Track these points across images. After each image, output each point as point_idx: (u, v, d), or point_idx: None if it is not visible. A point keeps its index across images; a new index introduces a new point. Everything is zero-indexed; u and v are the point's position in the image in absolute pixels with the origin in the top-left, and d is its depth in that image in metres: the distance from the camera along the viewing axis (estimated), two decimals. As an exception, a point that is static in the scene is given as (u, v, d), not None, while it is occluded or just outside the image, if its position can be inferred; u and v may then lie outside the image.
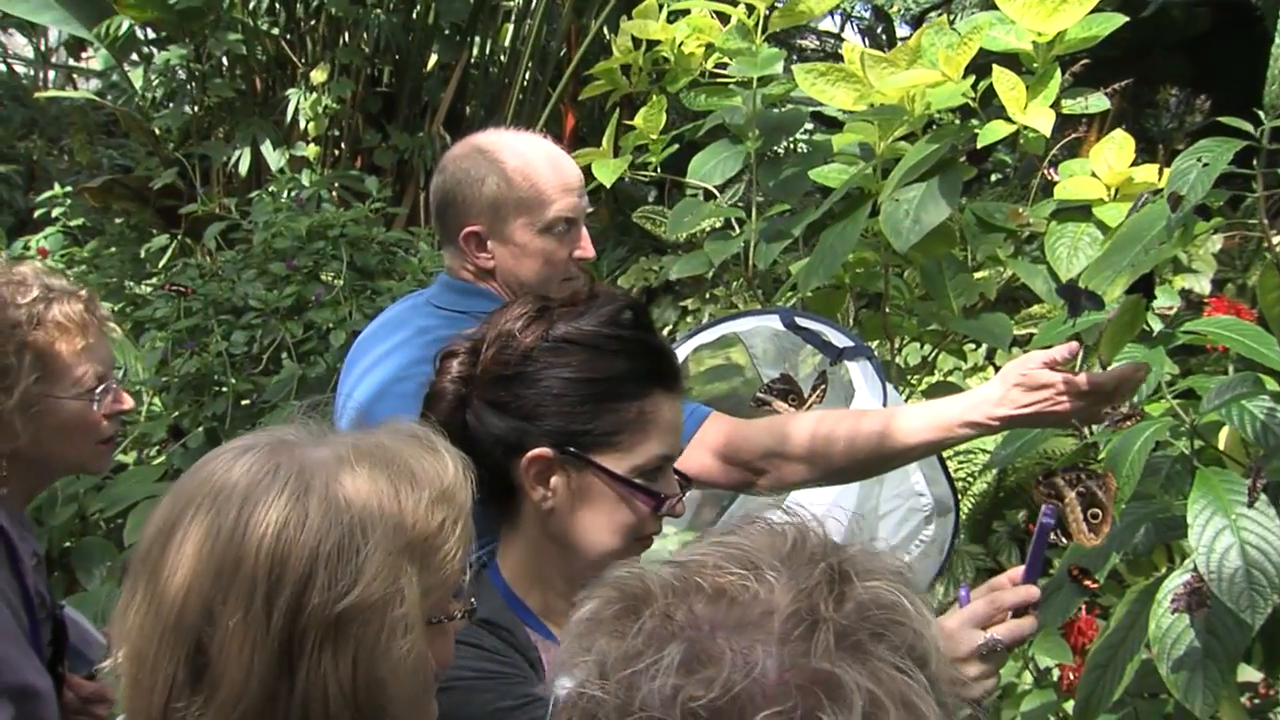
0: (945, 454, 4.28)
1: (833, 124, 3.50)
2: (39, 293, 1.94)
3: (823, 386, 2.29)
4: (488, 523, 1.63)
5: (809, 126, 4.13)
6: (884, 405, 2.21)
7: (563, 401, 1.57)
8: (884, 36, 9.47)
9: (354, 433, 1.22)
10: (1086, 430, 1.84)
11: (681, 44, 3.27)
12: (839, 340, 2.42)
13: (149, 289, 5.23)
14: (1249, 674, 2.27)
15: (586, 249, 2.32)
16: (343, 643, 1.09)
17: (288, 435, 1.18)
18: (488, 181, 2.23)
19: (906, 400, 3.22)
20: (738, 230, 3.21)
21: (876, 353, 3.66)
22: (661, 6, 3.26)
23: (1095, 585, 1.75)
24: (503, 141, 2.31)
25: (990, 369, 4.49)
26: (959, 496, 2.40)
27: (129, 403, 2.07)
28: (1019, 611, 1.55)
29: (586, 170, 3.22)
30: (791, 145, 4.72)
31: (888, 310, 3.02)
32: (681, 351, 2.68)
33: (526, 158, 2.27)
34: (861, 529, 2.29)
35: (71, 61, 8.71)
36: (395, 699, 1.13)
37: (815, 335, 2.46)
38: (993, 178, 7.61)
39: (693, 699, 0.76)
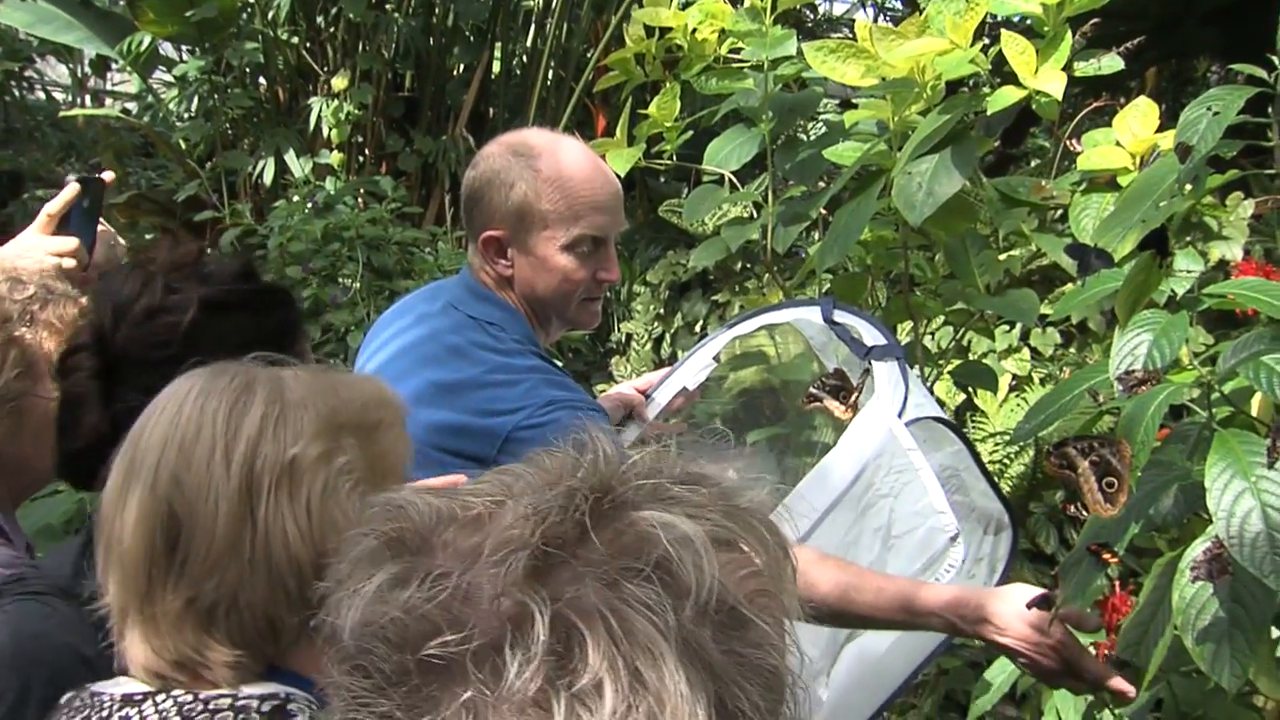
0: (976, 436, 4.23)
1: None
2: (35, 291, 1.91)
3: (867, 379, 2.23)
4: None
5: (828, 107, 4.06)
6: (903, 409, 2.11)
7: None
8: (915, 25, 9.34)
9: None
10: (1100, 396, 1.76)
11: (694, 30, 3.21)
12: (871, 337, 2.35)
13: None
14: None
15: (612, 271, 2.26)
16: (296, 486, 1.27)
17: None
18: (517, 187, 2.17)
19: (932, 386, 3.14)
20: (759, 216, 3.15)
21: (903, 335, 3.59)
22: (673, -6, 3.20)
23: (1115, 560, 1.67)
24: (542, 146, 2.23)
25: (1025, 350, 4.38)
26: (1009, 503, 2.29)
27: None
28: None
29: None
30: (807, 127, 4.65)
31: (914, 291, 2.95)
32: (722, 340, 2.62)
33: (562, 168, 2.19)
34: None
35: (103, 84, 8.76)
36: None
37: (847, 331, 2.38)
38: (1033, 163, 7.50)
39: (378, 619, 0.72)
